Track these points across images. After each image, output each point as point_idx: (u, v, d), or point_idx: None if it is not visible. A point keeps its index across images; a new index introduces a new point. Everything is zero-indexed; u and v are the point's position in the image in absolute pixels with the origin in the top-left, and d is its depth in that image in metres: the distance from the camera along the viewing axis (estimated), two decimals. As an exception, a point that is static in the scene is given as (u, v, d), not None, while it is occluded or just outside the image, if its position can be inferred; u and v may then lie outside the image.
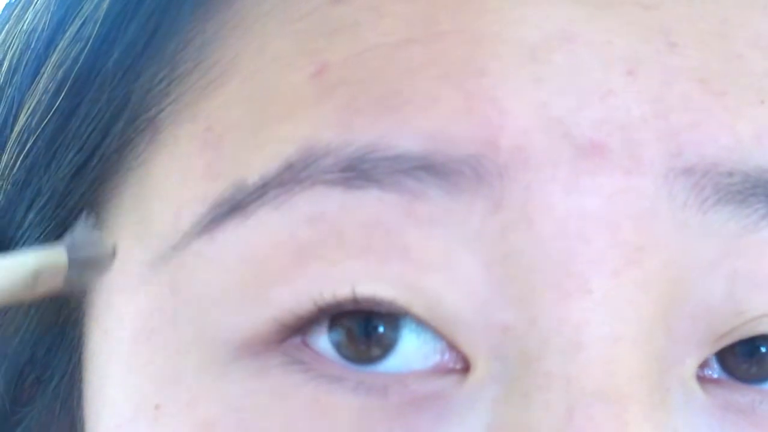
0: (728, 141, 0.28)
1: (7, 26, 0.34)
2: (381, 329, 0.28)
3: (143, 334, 0.30)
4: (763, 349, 0.29)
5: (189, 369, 0.29)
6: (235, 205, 0.29)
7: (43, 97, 0.32)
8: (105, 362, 0.32)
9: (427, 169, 0.27)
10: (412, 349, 0.28)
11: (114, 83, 0.31)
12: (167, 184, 0.30)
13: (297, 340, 0.29)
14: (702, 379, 0.29)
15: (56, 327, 0.33)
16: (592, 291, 0.27)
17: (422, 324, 0.28)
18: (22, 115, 0.32)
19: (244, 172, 0.29)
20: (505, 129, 0.27)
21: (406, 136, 0.28)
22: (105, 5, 0.31)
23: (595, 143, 0.27)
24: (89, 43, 0.31)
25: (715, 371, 0.29)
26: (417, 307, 0.28)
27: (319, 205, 0.28)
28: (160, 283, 0.30)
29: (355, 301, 0.28)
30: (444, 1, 0.28)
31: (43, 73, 0.32)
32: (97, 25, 0.31)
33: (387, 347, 0.28)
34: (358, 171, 0.28)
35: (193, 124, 0.30)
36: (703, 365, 0.29)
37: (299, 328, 0.28)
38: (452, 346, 0.28)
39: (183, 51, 0.31)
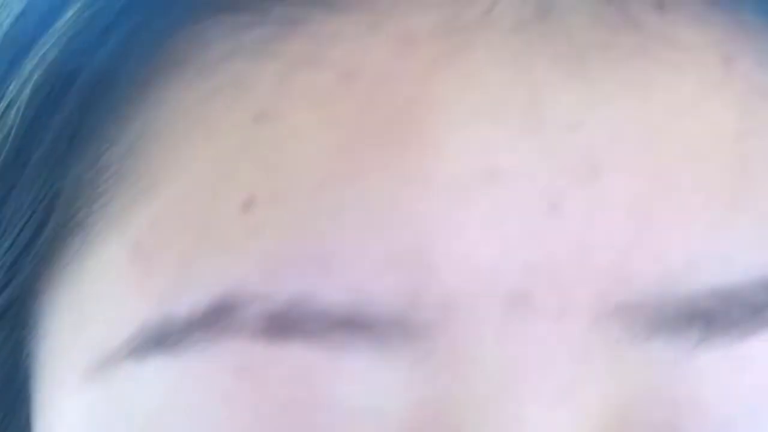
0: (657, 273, 0.27)
1: None
2: None
3: None
4: None
5: None
6: (163, 338, 0.28)
7: None
8: None
9: (353, 325, 0.27)
10: None
11: (42, 178, 0.30)
12: (99, 292, 0.29)
13: None
14: None
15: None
16: (525, 425, 0.27)
17: None
18: None
19: (173, 303, 0.28)
20: (431, 287, 0.26)
21: (331, 290, 0.27)
22: (26, 95, 0.30)
23: (522, 292, 0.26)
24: (12, 133, 0.30)
25: None
26: None
27: (244, 355, 0.27)
28: (93, 393, 0.29)
29: None
30: (366, 132, 0.27)
31: None
32: (16, 123, 0.30)
33: None
34: (284, 323, 0.27)
35: (121, 236, 0.29)
36: None
37: None
38: None
39: (106, 154, 0.29)
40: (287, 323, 0.27)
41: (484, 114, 0.27)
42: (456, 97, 0.27)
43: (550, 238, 0.27)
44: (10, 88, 0.30)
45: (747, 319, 0.27)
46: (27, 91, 0.30)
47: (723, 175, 0.28)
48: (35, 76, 0.30)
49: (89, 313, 0.30)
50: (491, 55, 0.27)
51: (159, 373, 0.28)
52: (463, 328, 0.27)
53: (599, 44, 0.27)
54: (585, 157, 0.27)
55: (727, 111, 0.28)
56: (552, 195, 0.27)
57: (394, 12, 0.28)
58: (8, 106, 0.30)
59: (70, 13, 0.29)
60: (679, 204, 0.27)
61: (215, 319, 0.27)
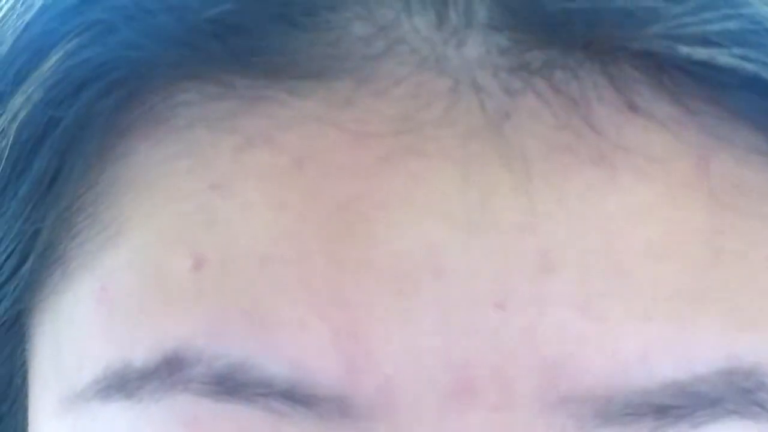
0: (606, 366, 0.26)
1: None
2: None
3: None
4: None
5: None
6: (124, 384, 0.29)
7: None
8: None
9: (293, 398, 0.27)
10: None
11: (26, 214, 0.31)
12: (72, 328, 0.30)
13: None
14: None
15: None
16: None
17: None
18: None
19: (131, 350, 0.28)
20: (369, 371, 0.27)
21: (273, 361, 0.27)
22: (11, 135, 0.31)
23: (462, 383, 0.27)
24: (2, 165, 0.31)
25: None
26: None
27: (192, 410, 0.28)
28: (65, 426, 0.30)
29: None
30: (311, 218, 0.27)
31: None
32: (5, 155, 0.31)
33: None
34: (227, 387, 0.27)
35: (92, 277, 0.30)
36: None
37: None
38: None
39: (83, 198, 0.30)
40: (230, 386, 0.27)
41: (432, 214, 0.27)
42: (404, 196, 0.27)
43: (494, 332, 0.26)
44: (1, 120, 0.31)
45: (702, 410, 0.27)
46: (14, 127, 0.31)
47: (690, 273, 0.27)
48: (21, 115, 0.31)
49: (64, 345, 0.31)
50: (443, 157, 0.27)
51: (121, 418, 0.29)
52: (403, 414, 0.27)
53: (557, 148, 0.27)
54: (535, 258, 0.27)
55: (697, 210, 0.27)
56: (499, 293, 0.26)
57: (352, 104, 0.28)
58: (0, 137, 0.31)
59: (54, 59, 0.30)
60: (638, 300, 0.27)
61: (167, 373, 0.28)
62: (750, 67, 0.28)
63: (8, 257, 0.32)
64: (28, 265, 0.32)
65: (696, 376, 0.27)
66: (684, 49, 0.27)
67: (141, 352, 0.28)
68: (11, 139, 0.31)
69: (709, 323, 0.27)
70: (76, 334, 0.30)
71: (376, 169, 0.27)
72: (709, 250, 0.27)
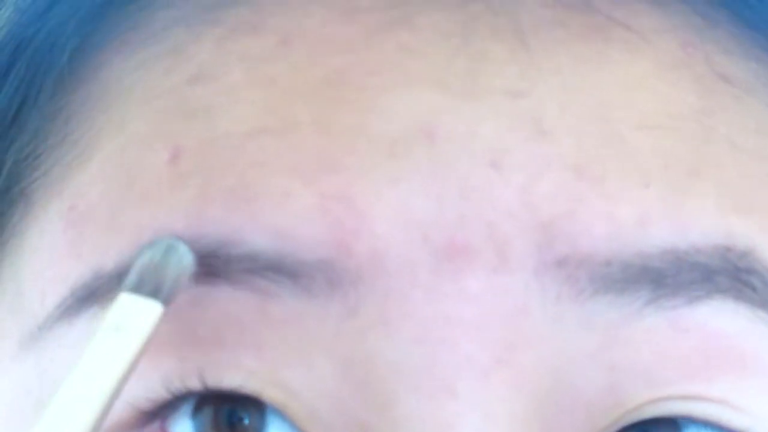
0: (605, 228, 0.26)
1: None
2: (246, 420, 0.27)
3: (15, 414, 0.30)
4: None
5: None
6: (92, 292, 0.28)
7: None
8: None
9: (279, 271, 0.26)
10: None
11: None
12: (36, 260, 0.29)
13: (155, 425, 0.27)
14: None
15: None
16: (458, 394, 0.26)
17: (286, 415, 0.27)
18: None
19: (102, 257, 0.27)
20: (360, 233, 0.26)
21: (257, 234, 0.26)
22: None
23: (457, 244, 0.26)
24: None
25: None
26: (271, 396, 0.27)
27: None
28: (27, 364, 0.29)
29: (207, 389, 0.27)
30: (300, 90, 0.27)
31: None
32: None
33: None
34: (209, 267, 0.26)
35: (59, 200, 0.29)
36: None
37: (156, 413, 0.27)
38: None
39: (51, 123, 0.30)
40: (213, 266, 0.26)
41: (422, 80, 0.27)
42: (394, 64, 0.27)
43: (490, 192, 0.26)
44: None
45: (698, 284, 0.27)
46: None
47: (685, 145, 0.27)
48: None
49: (26, 282, 0.30)
50: (433, 29, 0.27)
51: (89, 329, 0.27)
52: (395, 279, 0.26)
53: (549, 22, 0.27)
54: (531, 121, 0.26)
55: (686, 90, 0.28)
56: (494, 152, 0.26)
57: None
58: None
59: None
60: (635, 167, 0.27)
61: None
62: None
63: None
64: None
65: (692, 245, 0.27)
66: None
67: (113, 255, 0.27)
68: None
69: (705, 197, 0.27)
70: (40, 265, 0.29)
71: (367, 41, 0.27)
72: (701, 127, 0.28)
